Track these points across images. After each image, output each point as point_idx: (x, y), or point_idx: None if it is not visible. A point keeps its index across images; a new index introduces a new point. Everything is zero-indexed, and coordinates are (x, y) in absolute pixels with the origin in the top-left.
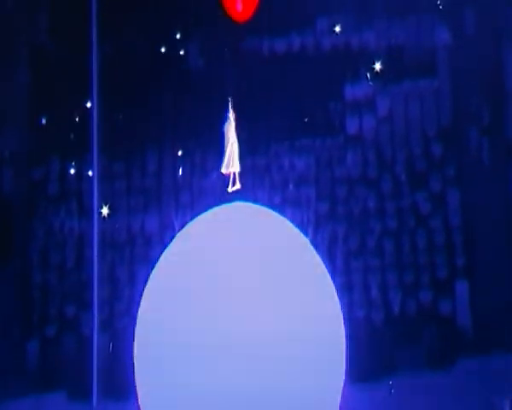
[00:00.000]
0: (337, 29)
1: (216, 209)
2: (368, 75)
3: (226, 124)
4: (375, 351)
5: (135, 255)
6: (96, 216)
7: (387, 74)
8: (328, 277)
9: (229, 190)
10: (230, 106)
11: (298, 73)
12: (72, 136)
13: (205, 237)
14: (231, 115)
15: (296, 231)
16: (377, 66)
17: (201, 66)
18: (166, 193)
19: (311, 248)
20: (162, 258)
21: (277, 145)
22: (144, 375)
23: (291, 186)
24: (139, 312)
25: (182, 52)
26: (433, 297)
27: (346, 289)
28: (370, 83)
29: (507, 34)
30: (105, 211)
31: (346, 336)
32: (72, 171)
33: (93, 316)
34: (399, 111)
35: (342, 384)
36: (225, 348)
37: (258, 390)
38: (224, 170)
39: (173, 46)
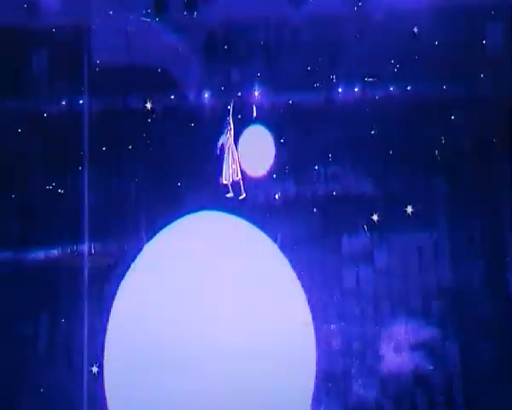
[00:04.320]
0: (335, 193)
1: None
2: (365, 227)
3: (226, 131)
4: None
5: None
6: (86, 374)
7: (385, 226)
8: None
9: (240, 197)
10: (231, 112)
11: (293, 223)
12: (62, 289)
13: (173, 247)
14: (230, 122)
15: (264, 236)
16: (375, 217)
17: None
18: None
19: (279, 253)
20: (131, 269)
21: None
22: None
23: None
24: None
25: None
26: None
27: None
28: (368, 234)
29: (507, 186)
30: (95, 369)
31: None
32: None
33: None
34: (397, 264)
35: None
36: (198, 356)
37: (232, 391)
38: (225, 180)
39: (165, 195)
